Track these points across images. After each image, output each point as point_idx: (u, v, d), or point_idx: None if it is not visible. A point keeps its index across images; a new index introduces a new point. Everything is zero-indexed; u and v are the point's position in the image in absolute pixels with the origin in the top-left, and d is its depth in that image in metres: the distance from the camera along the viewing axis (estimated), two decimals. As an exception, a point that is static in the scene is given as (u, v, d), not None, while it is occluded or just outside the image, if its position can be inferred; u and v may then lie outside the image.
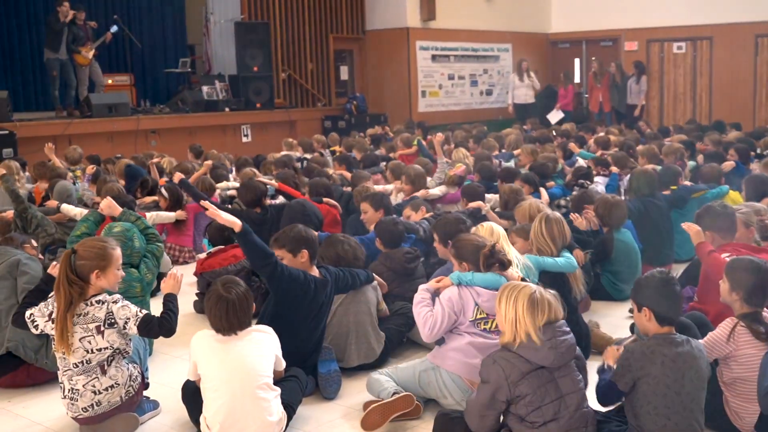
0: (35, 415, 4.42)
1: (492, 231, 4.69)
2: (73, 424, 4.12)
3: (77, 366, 3.88)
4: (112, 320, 3.88)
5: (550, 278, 4.72)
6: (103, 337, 3.87)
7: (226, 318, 3.74)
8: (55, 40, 12.87)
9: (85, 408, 3.91)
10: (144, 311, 3.98)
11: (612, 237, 6.11)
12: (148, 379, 4.34)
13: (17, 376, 4.70)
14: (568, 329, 3.58)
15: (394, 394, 4.10)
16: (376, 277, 5.16)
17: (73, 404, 3.93)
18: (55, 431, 4.25)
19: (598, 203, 6.23)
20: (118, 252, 4.07)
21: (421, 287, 4.39)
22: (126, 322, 3.91)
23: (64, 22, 12.80)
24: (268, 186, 7.38)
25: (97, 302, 3.90)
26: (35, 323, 3.96)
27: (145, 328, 3.91)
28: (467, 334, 4.17)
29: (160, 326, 3.93)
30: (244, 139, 14.72)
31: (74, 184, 8.94)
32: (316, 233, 4.89)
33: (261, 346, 3.84)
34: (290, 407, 4.02)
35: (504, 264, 4.23)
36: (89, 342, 3.86)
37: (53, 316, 3.88)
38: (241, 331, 3.79)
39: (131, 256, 4.83)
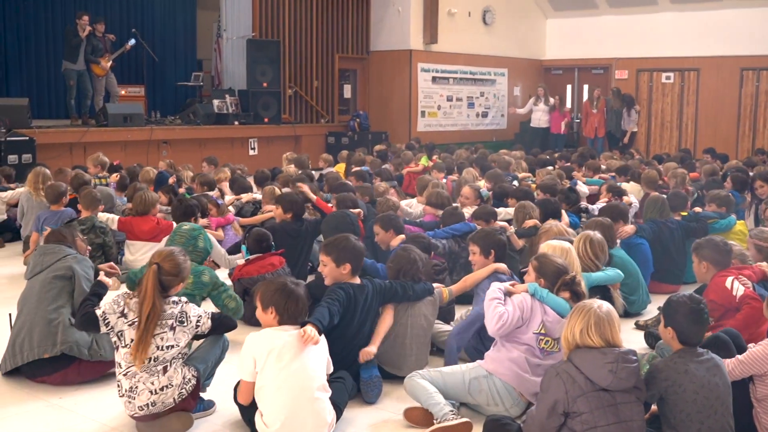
0: (88, 411, 4.48)
1: (563, 249, 4.86)
2: (126, 421, 4.25)
3: (143, 362, 4.00)
4: (183, 318, 4.11)
5: (598, 292, 5.02)
6: (173, 333, 4.06)
7: (285, 305, 3.95)
8: (73, 52, 13.27)
9: (141, 407, 4.04)
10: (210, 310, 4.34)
11: (609, 255, 6.37)
12: (206, 387, 4.43)
13: (68, 374, 4.78)
14: (635, 358, 3.59)
15: (451, 413, 4.14)
16: (438, 285, 5.24)
17: (130, 402, 4.05)
18: (110, 428, 4.31)
19: (591, 226, 6.51)
20: (189, 263, 4.41)
21: (495, 284, 4.53)
22: (199, 319, 4.18)
23: (81, 37, 13.19)
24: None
25: (173, 302, 4.13)
26: (107, 321, 4.05)
27: (218, 320, 4.26)
28: (526, 348, 4.32)
29: (230, 320, 4.33)
30: (251, 152, 15.19)
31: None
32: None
33: (317, 349, 3.98)
34: (338, 407, 4.17)
35: (579, 296, 4.37)
36: (161, 338, 4.02)
37: (127, 315, 4.04)
38: (296, 325, 3.96)
39: (193, 253, 5.32)
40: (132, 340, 4.02)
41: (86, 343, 4.73)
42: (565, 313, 4.28)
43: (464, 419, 4.10)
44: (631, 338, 5.92)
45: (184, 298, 4.23)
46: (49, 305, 4.78)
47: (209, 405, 4.48)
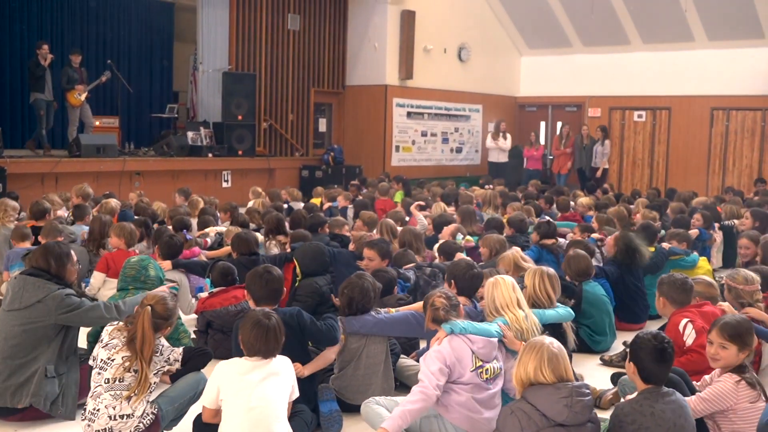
0: None
1: (494, 283, 4.80)
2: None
3: (108, 382, 4.07)
4: (157, 349, 4.21)
5: (551, 332, 4.91)
6: None
7: (265, 342, 3.96)
8: (39, 82, 13.16)
9: (98, 431, 4.04)
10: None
11: (581, 289, 6.48)
12: (172, 426, 4.40)
13: (25, 415, 4.74)
14: (588, 392, 3.62)
15: None
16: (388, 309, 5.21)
17: (89, 426, 4.06)
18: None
19: (569, 259, 6.67)
20: (178, 310, 4.52)
21: (423, 363, 4.33)
22: (171, 353, 4.32)
23: (44, 66, 13.10)
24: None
25: None
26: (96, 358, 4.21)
27: (189, 352, 4.35)
28: (471, 387, 4.24)
29: (201, 355, 4.40)
30: (225, 185, 15.19)
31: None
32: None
33: (279, 377, 4.01)
34: None
35: (437, 321, 4.35)
36: (129, 361, 4.10)
37: (102, 339, 4.19)
38: (271, 357, 4.01)
39: (146, 282, 5.64)
40: (102, 360, 4.14)
41: (52, 396, 4.68)
42: (490, 334, 4.30)
43: None
44: (596, 374, 5.97)
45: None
46: (26, 354, 4.64)
47: None
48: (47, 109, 13.41)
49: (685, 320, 5.08)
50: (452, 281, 5.20)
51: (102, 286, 7.46)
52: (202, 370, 4.46)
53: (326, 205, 11.40)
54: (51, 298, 4.69)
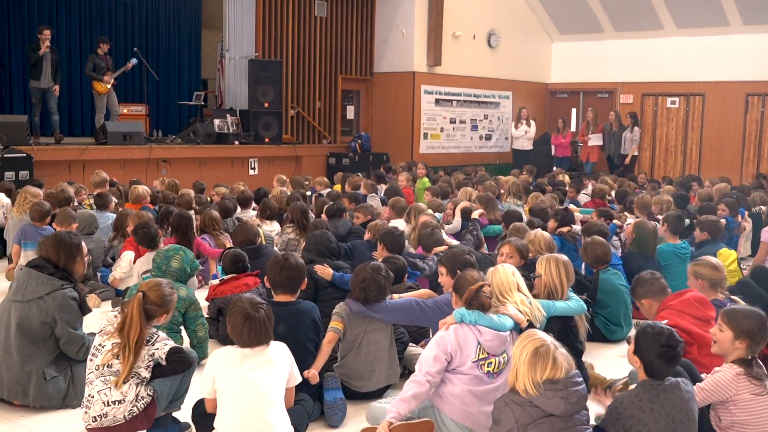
0: (49, 430, 4.57)
1: (492, 271, 4.73)
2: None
3: (98, 368, 4.07)
4: (149, 339, 4.15)
5: (560, 323, 4.85)
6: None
7: (255, 334, 3.95)
8: (35, 70, 13.04)
9: (94, 417, 4.05)
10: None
11: (597, 278, 6.42)
12: (179, 406, 4.40)
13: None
14: (580, 380, 3.54)
15: (411, 419, 4.14)
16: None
17: (87, 413, 4.08)
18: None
19: (588, 245, 6.64)
20: (176, 296, 4.45)
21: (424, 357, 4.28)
22: (158, 349, 4.18)
23: (40, 55, 12.86)
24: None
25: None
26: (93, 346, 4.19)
27: (174, 353, 4.21)
28: (468, 378, 4.17)
29: (181, 361, 4.25)
30: (251, 172, 15.21)
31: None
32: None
33: (274, 365, 4.00)
34: (297, 430, 4.18)
35: (483, 307, 4.26)
36: (118, 347, 4.06)
37: (111, 341, 4.11)
38: (262, 346, 3.99)
39: (166, 272, 5.50)
40: (95, 347, 4.13)
41: (61, 392, 4.74)
42: (503, 327, 4.19)
43: (426, 419, 4.13)
44: (610, 364, 5.89)
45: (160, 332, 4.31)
46: (25, 350, 4.69)
47: (185, 427, 4.48)
48: (44, 96, 13.28)
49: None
50: (458, 271, 4.90)
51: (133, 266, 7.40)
52: (192, 349, 4.50)
53: (348, 191, 11.38)
54: (52, 297, 4.73)
